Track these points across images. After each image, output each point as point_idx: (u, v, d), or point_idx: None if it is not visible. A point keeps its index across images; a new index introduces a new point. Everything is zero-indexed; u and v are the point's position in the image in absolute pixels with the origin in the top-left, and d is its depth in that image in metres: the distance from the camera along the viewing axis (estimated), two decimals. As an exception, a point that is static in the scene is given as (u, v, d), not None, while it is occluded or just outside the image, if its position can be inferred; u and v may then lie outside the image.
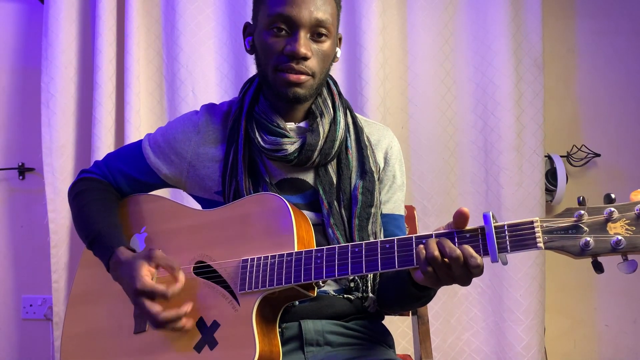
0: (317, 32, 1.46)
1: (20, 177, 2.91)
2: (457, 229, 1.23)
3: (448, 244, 1.20)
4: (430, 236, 1.24)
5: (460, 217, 1.22)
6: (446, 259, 1.19)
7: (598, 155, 2.89)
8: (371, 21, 2.59)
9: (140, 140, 1.70)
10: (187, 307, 1.37)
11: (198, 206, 1.66)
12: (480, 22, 2.68)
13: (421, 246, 1.22)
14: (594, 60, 2.93)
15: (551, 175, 2.79)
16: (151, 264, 1.39)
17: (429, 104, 2.70)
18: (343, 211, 1.54)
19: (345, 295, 1.52)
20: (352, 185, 1.56)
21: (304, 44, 1.43)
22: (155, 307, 1.35)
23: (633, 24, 2.92)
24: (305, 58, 1.44)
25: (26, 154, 2.91)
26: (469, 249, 1.18)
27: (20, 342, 2.91)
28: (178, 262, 1.40)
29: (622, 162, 2.90)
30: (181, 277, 1.39)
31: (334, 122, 1.57)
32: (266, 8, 1.47)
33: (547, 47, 2.72)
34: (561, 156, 2.83)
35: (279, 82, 1.47)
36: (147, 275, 1.37)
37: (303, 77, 1.46)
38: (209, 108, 1.66)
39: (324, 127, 1.54)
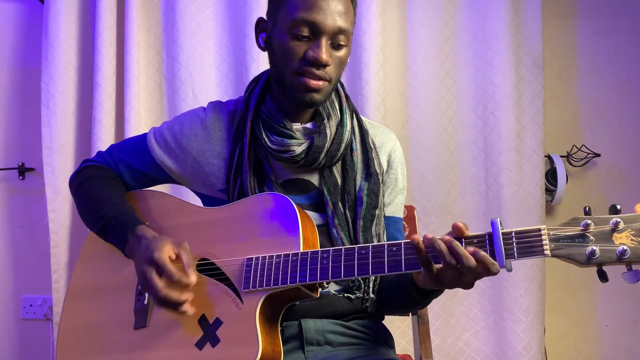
0: (337, 39, 1.46)
1: (20, 177, 2.90)
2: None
3: (460, 248, 1.19)
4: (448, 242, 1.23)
5: (458, 232, 1.23)
6: (454, 257, 1.19)
7: (598, 155, 2.89)
8: (371, 21, 2.60)
9: (145, 134, 1.70)
10: (188, 296, 1.36)
11: (201, 203, 1.66)
12: (480, 22, 2.69)
13: (421, 244, 1.21)
14: (594, 60, 2.94)
15: (551, 175, 2.79)
16: (175, 250, 1.39)
17: (429, 104, 2.71)
18: (347, 212, 1.54)
19: (345, 295, 1.52)
20: (357, 187, 1.56)
21: (326, 51, 1.44)
22: (159, 282, 1.35)
23: (633, 24, 2.92)
24: (327, 65, 1.45)
25: (26, 154, 2.91)
26: (487, 257, 1.18)
27: (20, 342, 2.90)
28: (194, 263, 1.39)
29: (622, 162, 2.90)
30: (193, 278, 1.37)
31: (340, 124, 1.57)
32: (289, 10, 1.45)
33: (547, 47, 2.73)
34: (561, 156, 2.84)
35: (297, 86, 1.47)
36: (168, 253, 1.37)
37: (322, 82, 1.46)
38: (216, 105, 1.66)
39: (331, 129, 1.55)
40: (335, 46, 1.47)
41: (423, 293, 1.39)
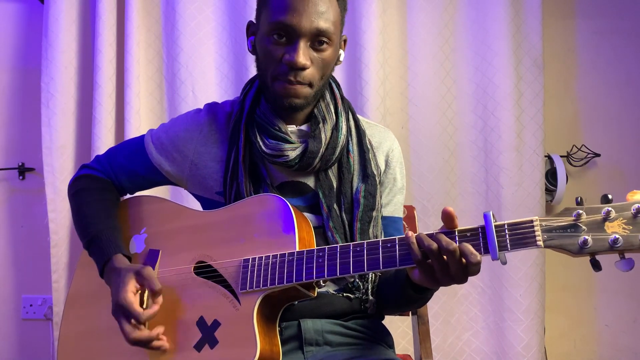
0: (317, 40, 1.43)
1: (20, 177, 2.91)
2: (450, 229, 1.24)
3: (444, 237, 1.21)
4: (431, 235, 1.24)
5: (447, 217, 1.24)
6: (443, 253, 1.20)
7: (598, 155, 2.89)
8: (371, 21, 2.59)
9: (143, 136, 1.70)
10: (159, 331, 1.38)
11: (199, 207, 1.66)
12: (480, 22, 2.68)
13: (413, 240, 1.23)
14: (594, 60, 2.93)
15: (551, 175, 2.79)
16: (138, 282, 1.40)
17: (429, 104, 2.70)
18: (344, 214, 1.54)
19: (344, 294, 1.52)
20: (354, 189, 1.56)
21: (303, 54, 1.41)
22: (127, 327, 1.37)
23: (633, 24, 2.92)
24: (304, 68, 1.43)
25: (26, 154, 2.91)
26: (468, 246, 1.19)
27: (20, 342, 2.91)
28: (160, 287, 1.40)
29: (622, 162, 2.90)
30: (159, 300, 1.40)
31: (335, 128, 1.56)
32: (268, 13, 1.44)
33: (547, 47, 2.72)
34: (561, 156, 2.84)
35: (276, 91, 1.46)
36: (131, 290, 1.38)
37: (300, 88, 1.45)
38: (212, 107, 1.66)
39: (325, 133, 1.54)
40: (317, 47, 1.44)
41: (418, 290, 1.39)
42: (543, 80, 2.67)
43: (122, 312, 1.37)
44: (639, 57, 2.91)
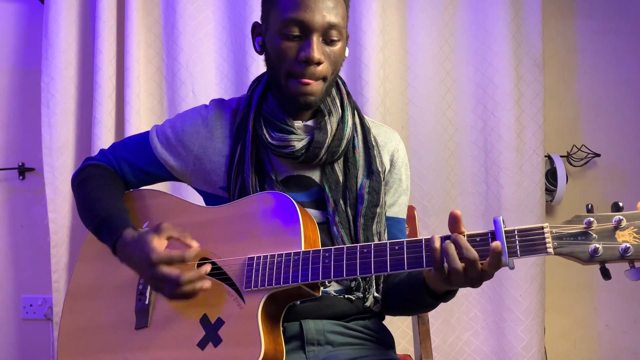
0: (329, 35, 1.45)
1: (20, 177, 2.90)
2: (453, 232, 1.24)
3: (465, 244, 1.21)
4: (442, 239, 1.24)
5: (453, 220, 1.24)
6: (462, 259, 1.21)
7: (598, 155, 2.89)
8: (371, 21, 2.59)
9: (148, 131, 1.70)
10: (207, 267, 1.36)
11: (202, 202, 1.66)
12: (480, 22, 2.68)
13: (437, 246, 1.23)
14: (594, 60, 2.94)
15: (551, 175, 2.79)
16: (161, 237, 1.39)
17: (429, 104, 2.70)
18: (349, 210, 1.54)
19: (346, 296, 1.52)
20: (359, 184, 1.56)
21: (318, 49, 1.43)
22: (175, 271, 1.34)
23: (633, 24, 2.92)
24: (320, 63, 1.45)
25: (26, 154, 2.91)
26: (498, 246, 1.19)
27: (20, 342, 2.90)
28: (189, 231, 1.40)
29: (622, 162, 2.90)
30: (194, 243, 1.39)
31: (341, 121, 1.57)
32: (278, 11, 1.46)
33: (547, 47, 2.73)
34: (561, 156, 2.84)
35: (291, 89, 1.47)
36: (160, 245, 1.37)
37: (315, 83, 1.46)
38: (218, 103, 1.66)
39: (331, 125, 1.54)
40: (328, 42, 1.46)
41: (436, 297, 1.39)
42: (543, 80, 2.67)
43: (163, 264, 1.35)
44: (639, 57, 2.92)
